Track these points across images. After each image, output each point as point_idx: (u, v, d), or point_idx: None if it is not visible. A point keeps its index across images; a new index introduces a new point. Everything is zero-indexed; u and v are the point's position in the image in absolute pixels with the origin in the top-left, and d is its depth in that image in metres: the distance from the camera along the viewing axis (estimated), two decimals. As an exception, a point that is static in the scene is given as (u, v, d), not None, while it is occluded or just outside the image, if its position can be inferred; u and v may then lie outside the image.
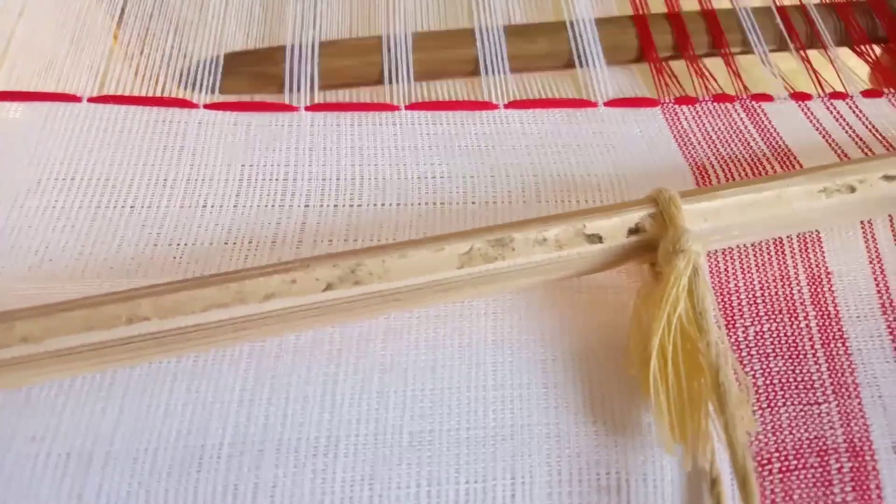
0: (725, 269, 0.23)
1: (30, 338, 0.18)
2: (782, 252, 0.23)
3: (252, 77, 0.28)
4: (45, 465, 0.18)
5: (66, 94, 0.25)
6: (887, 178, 0.22)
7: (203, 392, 0.19)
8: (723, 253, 0.23)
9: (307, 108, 0.27)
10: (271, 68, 0.28)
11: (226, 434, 0.19)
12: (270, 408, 0.19)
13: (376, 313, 0.20)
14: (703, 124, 0.27)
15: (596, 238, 0.20)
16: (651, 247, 0.21)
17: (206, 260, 0.22)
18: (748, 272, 0.23)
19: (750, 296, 0.22)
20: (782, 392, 0.21)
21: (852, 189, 0.22)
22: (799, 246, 0.23)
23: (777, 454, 0.20)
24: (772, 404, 0.20)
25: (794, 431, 0.20)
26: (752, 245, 0.23)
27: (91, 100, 0.26)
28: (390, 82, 0.28)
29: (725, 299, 0.22)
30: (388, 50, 0.29)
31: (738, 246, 0.23)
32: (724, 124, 0.27)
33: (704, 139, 0.27)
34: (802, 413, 0.20)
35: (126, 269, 0.21)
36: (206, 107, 0.26)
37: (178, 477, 0.18)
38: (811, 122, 0.28)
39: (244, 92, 0.28)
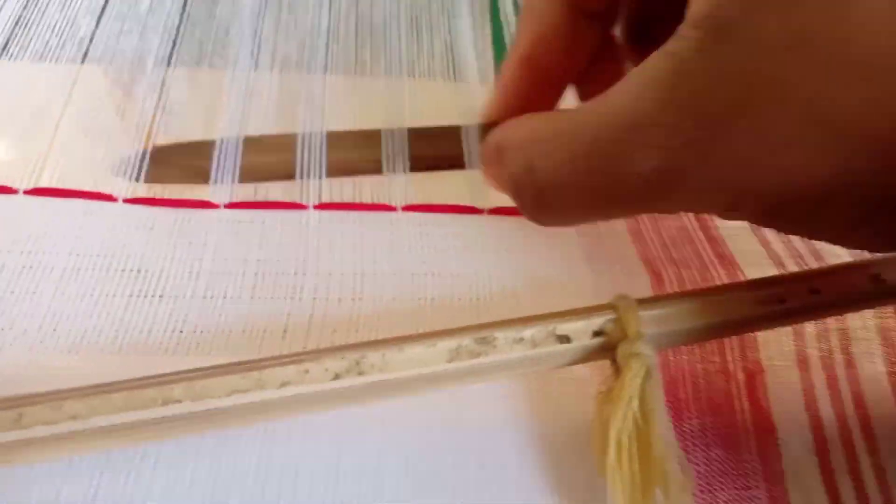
0: (676, 363, 0.26)
1: (77, 416, 0.21)
2: (723, 347, 0.27)
3: (181, 169, 0.31)
4: (86, 530, 0.21)
5: (103, 193, 0.29)
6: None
7: (224, 466, 0.22)
8: (673, 349, 0.27)
9: (315, 207, 0.31)
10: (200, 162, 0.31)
11: (243, 505, 0.22)
12: (283, 483, 0.22)
13: (377, 399, 0.23)
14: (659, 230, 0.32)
15: (565, 338, 0.24)
16: (612, 346, 0.24)
17: (225, 347, 0.25)
18: (694, 366, 0.27)
19: (696, 389, 0.26)
20: (720, 478, 0.24)
21: (782, 300, 0.26)
22: (738, 342, 0.27)
23: (715, 534, 0.23)
24: (712, 489, 0.24)
25: (729, 513, 0.23)
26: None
27: (127, 201, 0.29)
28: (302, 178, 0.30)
29: (671, 393, 0.26)
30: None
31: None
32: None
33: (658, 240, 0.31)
34: (737, 497, 0.24)
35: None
36: (227, 206, 0.30)
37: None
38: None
39: (172, 182, 0.31)
